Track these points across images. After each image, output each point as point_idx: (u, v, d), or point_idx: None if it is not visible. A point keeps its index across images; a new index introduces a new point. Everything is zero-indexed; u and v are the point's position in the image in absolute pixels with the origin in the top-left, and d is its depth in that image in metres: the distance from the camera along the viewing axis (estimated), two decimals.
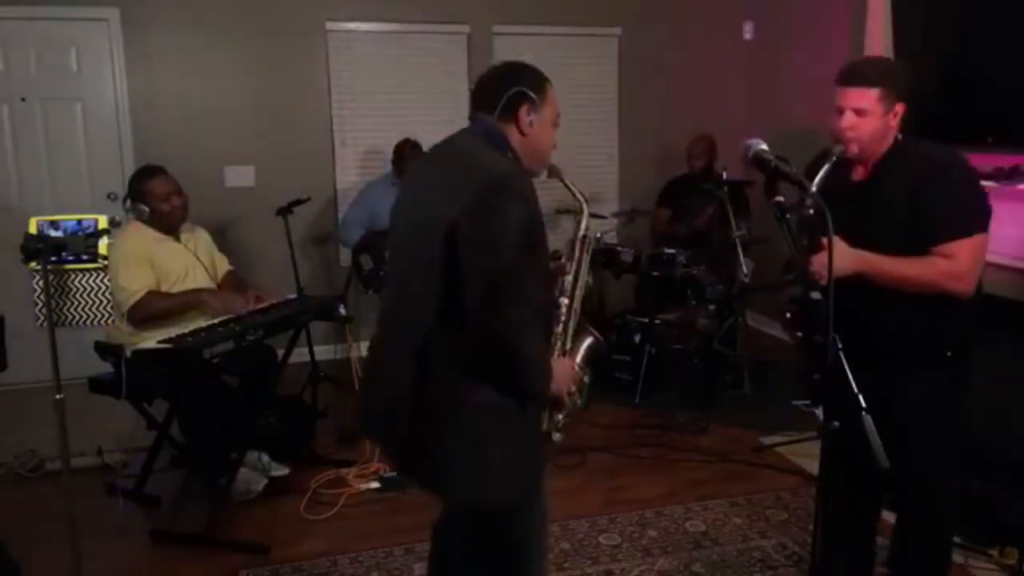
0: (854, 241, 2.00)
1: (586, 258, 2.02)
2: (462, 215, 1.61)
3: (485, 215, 1.60)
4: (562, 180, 2.00)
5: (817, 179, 1.98)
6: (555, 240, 5.02)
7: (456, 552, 1.95)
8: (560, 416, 1.95)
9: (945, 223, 1.99)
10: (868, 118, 2.03)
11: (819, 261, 1.87)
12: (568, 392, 1.91)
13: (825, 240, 1.84)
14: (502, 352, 1.64)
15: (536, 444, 1.85)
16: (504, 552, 1.86)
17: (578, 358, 2.01)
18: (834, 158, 2.05)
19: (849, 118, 2.04)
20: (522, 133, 1.78)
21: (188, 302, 3.18)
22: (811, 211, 1.83)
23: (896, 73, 2.08)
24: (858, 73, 2.06)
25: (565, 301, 1.97)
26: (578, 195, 1.98)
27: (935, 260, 2.00)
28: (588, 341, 2.04)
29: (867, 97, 2.02)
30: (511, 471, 1.74)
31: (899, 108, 2.05)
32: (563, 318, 1.97)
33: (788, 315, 2.10)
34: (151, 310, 3.12)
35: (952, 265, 1.98)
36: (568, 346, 1.98)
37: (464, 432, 1.69)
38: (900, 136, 2.10)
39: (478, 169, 1.69)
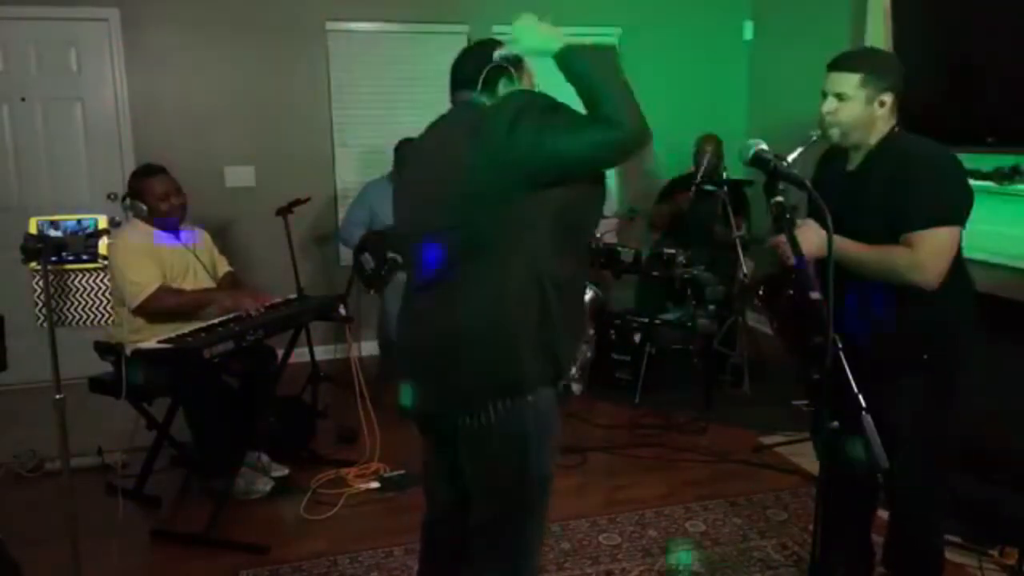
0: (842, 229, 1.99)
1: None
2: (495, 145, 1.63)
3: (518, 127, 1.62)
4: None
5: (790, 158, 2.00)
6: None
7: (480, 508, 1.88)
8: (574, 370, 1.96)
9: (913, 212, 1.99)
10: (849, 103, 2.05)
11: (781, 242, 1.94)
12: (575, 357, 1.90)
13: (797, 222, 1.88)
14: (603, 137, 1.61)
15: (572, 326, 1.85)
16: (525, 496, 1.82)
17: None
18: (812, 140, 2.10)
19: (831, 102, 2.07)
20: None
21: (200, 300, 3.18)
22: (780, 198, 1.84)
23: (883, 63, 2.09)
24: (842, 59, 2.09)
25: None
26: None
27: (895, 248, 2.00)
28: (588, 296, 2.04)
29: (848, 82, 2.04)
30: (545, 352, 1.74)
31: (886, 98, 2.05)
32: None
33: (760, 291, 2.13)
34: (163, 305, 3.12)
35: (911, 254, 1.97)
36: None
37: (505, 311, 1.69)
38: (896, 129, 2.10)
39: (487, 117, 1.70)
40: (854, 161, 2.16)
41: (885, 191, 2.03)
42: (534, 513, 1.85)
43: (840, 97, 2.05)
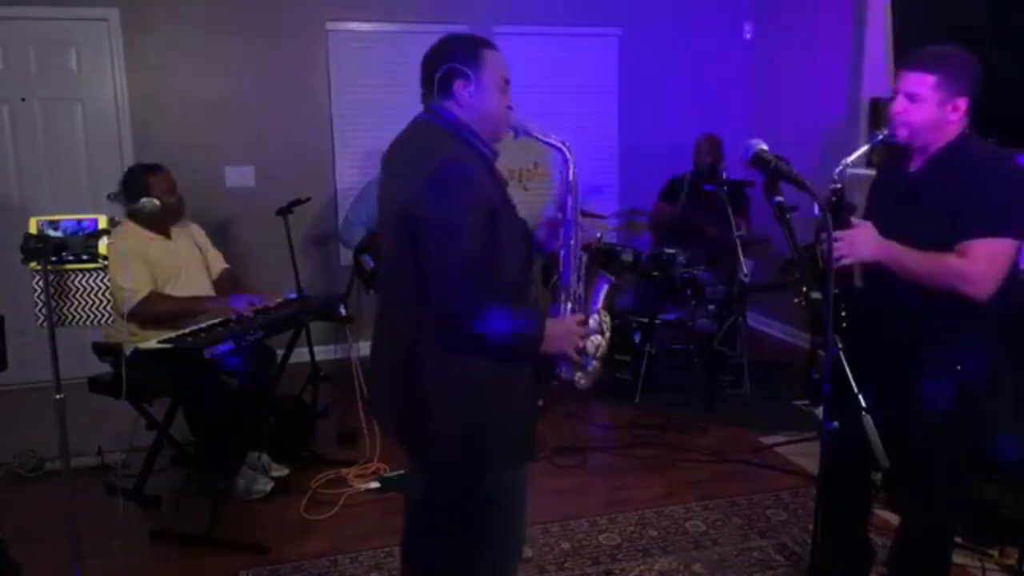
0: (897, 232, 1.97)
1: (577, 202, 1.96)
2: (415, 203, 1.67)
3: (433, 201, 1.64)
4: (534, 136, 1.91)
5: (852, 157, 2.00)
6: None
7: (437, 528, 1.93)
8: (590, 361, 1.93)
9: (969, 221, 1.92)
10: (921, 105, 1.97)
11: (846, 237, 1.92)
12: (577, 348, 1.87)
13: (852, 219, 1.87)
14: (463, 328, 1.67)
15: (526, 413, 1.86)
16: (485, 526, 1.86)
17: (598, 304, 2.00)
18: (878, 138, 2.04)
19: (901, 102, 2.00)
20: (465, 107, 1.76)
21: (192, 308, 3.18)
22: (834, 197, 1.85)
23: (961, 65, 1.99)
24: (918, 58, 2.00)
25: (563, 252, 1.94)
26: (557, 143, 1.90)
27: (949, 257, 1.94)
28: (603, 286, 2.02)
29: (922, 83, 1.96)
30: (499, 441, 1.78)
31: (960, 102, 1.97)
32: (565, 268, 1.94)
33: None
34: (154, 311, 3.12)
35: (964, 264, 1.91)
36: (581, 294, 1.95)
37: (452, 403, 1.74)
38: (965, 132, 2.03)
39: (424, 158, 1.71)
40: (916, 163, 2.09)
41: (946, 197, 1.97)
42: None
43: (912, 98, 1.97)
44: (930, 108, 1.97)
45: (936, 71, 1.96)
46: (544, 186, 5.37)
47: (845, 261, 1.93)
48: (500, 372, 1.75)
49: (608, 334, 1.99)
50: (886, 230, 1.99)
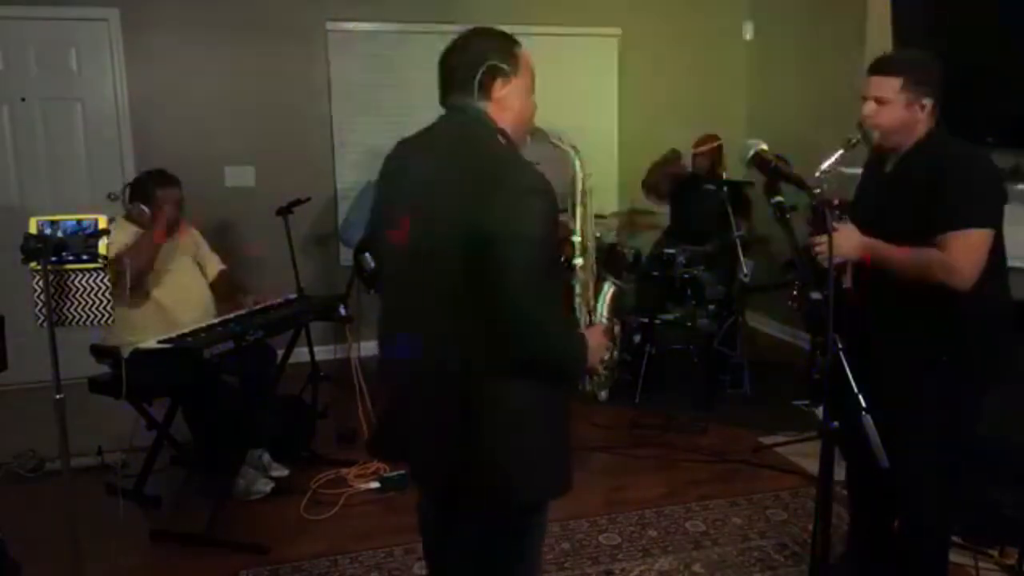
0: (876, 230, 2.03)
1: (590, 210, 1.88)
2: (496, 220, 1.51)
3: (522, 218, 1.52)
4: (549, 141, 1.84)
5: (825, 165, 2.06)
6: None
7: (473, 557, 1.83)
8: (602, 374, 1.87)
9: (946, 214, 1.99)
10: (888, 107, 2.06)
11: (821, 243, 1.97)
12: (601, 359, 1.82)
13: (834, 224, 1.91)
14: (541, 350, 1.60)
15: (568, 435, 1.79)
16: (520, 554, 1.82)
17: (605, 312, 1.93)
18: (852, 144, 2.11)
19: (870, 106, 2.08)
20: (502, 109, 1.67)
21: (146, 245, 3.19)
22: (815, 202, 1.89)
23: (924, 67, 2.09)
24: (883, 62, 2.10)
25: (579, 262, 1.85)
26: (567, 147, 1.83)
27: (928, 250, 2.00)
28: (611, 291, 1.96)
29: (888, 86, 2.05)
30: (552, 465, 1.72)
31: (926, 102, 2.06)
32: (582, 277, 1.86)
33: (795, 291, 2.15)
34: (137, 251, 3.13)
35: (944, 257, 1.98)
36: (592, 304, 1.89)
37: (511, 433, 1.63)
38: (934, 132, 2.10)
39: (491, 171, 1.58)
40: (891, 163, 2.17)
41: (918, 193, 2.04)
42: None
43: (880, 101, 2.06)
44: (898, 109, 2.06)
45: (900, 74, 2.05)
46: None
47: (835, 261, 1.96)
48: (548, 397, 1.67)
49: (617, 341, 1.96)
50: (867, 228, 2.06)
